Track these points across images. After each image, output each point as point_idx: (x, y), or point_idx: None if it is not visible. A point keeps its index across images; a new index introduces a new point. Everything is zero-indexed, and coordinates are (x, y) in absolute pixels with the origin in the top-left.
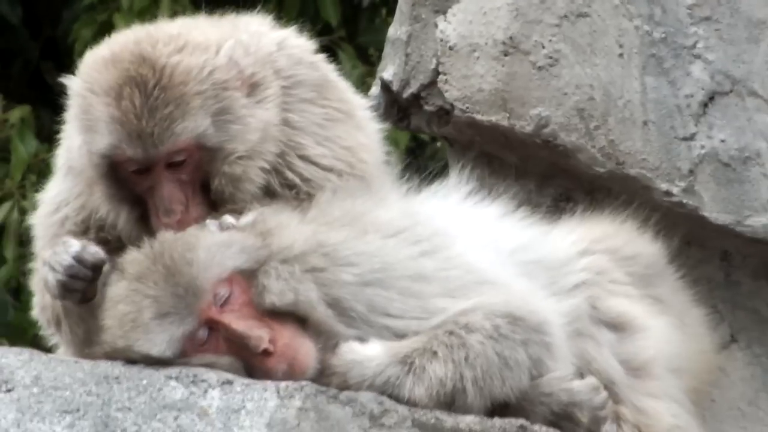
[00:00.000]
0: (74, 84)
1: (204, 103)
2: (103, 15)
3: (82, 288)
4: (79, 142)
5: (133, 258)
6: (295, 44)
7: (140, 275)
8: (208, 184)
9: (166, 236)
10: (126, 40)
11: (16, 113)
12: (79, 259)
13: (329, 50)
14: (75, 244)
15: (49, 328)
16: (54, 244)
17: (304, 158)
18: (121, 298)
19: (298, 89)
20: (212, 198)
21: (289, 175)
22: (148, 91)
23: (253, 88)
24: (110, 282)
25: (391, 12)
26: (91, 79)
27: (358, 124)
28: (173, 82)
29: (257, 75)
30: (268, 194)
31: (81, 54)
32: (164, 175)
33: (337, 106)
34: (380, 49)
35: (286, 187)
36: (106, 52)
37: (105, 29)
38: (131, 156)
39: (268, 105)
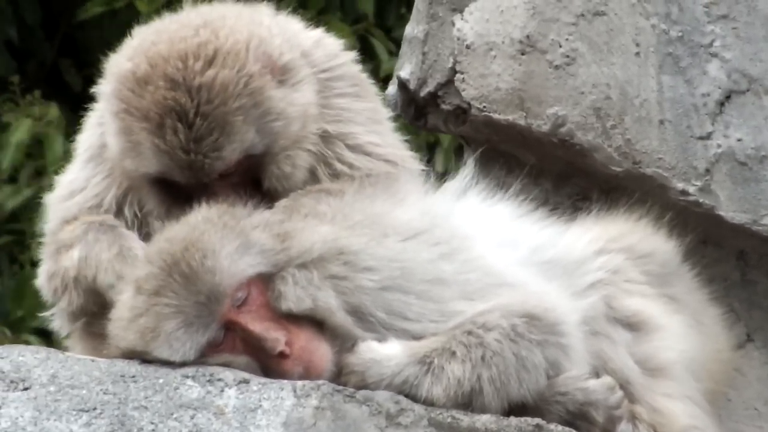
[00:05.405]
0: (110, 102)
1: (246, 116)
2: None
3: None
4: (117, 151)
5: (146, 273)
6: (329, 40)
7: (158, 290)
8: (260, 179)
9: (173, 246)
10: (154, 55)
11: (53, 112)
12: None
13: (362, 39)
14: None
15: (54, 296)
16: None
17: (354, 148)
18: (142, 312)
19: (338, 82)
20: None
21: (338, 166)
22: (189, 121)
23: (284, 72)
24: (125, 296)
25: None
26: (126, 99)
27: (391, 129)
28: (212, 105)
29: (284, 56)
30: (314, 181)
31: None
32: (217, 184)
33: (376, 107)
34: None
35: (335, 177)
36: (136, 69)
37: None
38: (182, 181)
39: (302, 86)
